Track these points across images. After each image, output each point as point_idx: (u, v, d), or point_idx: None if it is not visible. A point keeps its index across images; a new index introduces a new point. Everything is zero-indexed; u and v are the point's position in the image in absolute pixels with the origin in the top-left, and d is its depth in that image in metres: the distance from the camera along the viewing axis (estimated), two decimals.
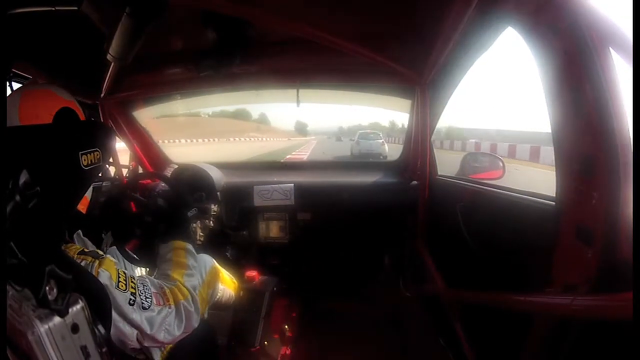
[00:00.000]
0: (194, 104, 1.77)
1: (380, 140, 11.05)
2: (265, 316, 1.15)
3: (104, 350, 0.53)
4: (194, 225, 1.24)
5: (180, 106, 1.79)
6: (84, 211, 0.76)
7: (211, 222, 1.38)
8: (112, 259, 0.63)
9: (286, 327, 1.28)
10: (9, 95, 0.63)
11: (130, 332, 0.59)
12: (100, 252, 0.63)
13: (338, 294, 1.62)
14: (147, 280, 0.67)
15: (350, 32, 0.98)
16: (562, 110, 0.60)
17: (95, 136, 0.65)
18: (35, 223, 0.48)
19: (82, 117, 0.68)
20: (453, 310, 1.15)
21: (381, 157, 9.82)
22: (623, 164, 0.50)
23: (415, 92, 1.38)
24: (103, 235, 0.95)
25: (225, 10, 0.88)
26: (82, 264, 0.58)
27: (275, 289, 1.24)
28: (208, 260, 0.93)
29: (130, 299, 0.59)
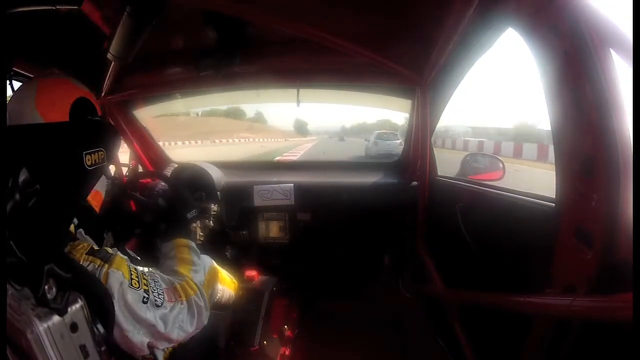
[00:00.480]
0: (194, 104, 1.78)
1: (398, 141, 10.25)
2: (265, 316, 1.15)
3: (102, 349, 0.53)
4: (194, 225, 1.24)
5: (180, 105, 1.79)
6: (97, 209, 0.75)
7: (211, 221, 1.38)
8: (122, 256, 0.61)
9: (286, 327, 1.28)
10: (25, 84, 0.61)
11: (141, 341, 0.57)
12: (110, 251, 0.61)
13: (338, 294, 1.62)
14: (157, 275, 0.66)
15: (350, 32, 0.98)
16: (562, 111, 0.60)
17: (100, 135, 0.64)
18: (34, 222, 0.48)
19: (98, 110, 0.66)
20: (452, 310, 1.15)
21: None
22: (623, 164, 0.50)
23: (415, 93, 1.38)
24: (105, 234, 0.95)
25: (225, 10, 0.88)
26: (90, 266, 0.56)
27: (274, 288, 1.24)
28: (207, 261, 0.93)
29: (144, 297, 0.57)
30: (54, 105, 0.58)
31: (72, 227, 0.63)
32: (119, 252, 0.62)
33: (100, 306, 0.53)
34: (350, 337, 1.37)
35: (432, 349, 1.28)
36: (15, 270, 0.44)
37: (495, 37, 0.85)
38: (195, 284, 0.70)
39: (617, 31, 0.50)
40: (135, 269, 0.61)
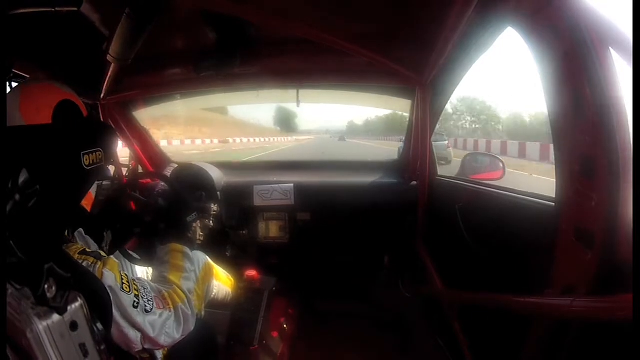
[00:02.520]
0: (194, 104, 1.78)
1: (445, 142, 8.06)
2: (265, 316, 1.15)
3: (102, 348, 0.53)
4: (194, 225, 1.24)
5: (180, 106, 1.80)
6: (88, 208, 0.75)
7: (211, 221, 1.38)
8: (115, 260, 0.63)
9: (285, 326, 1.28)
10: (10, 92, 0.62)
11: (135, 336, 0.59)
12: (103, 254, 0.63)
13: (338, 294, 1.62)
14: (145, 283, 0.67)
15: (350, 32, 0.98)
16: (562, 111, 0.60)
17: (98, 136, 0.64)
18: (34, 222, 0.48)
19: (84, 110, 0.66)
20: (452, 310, 1.15)
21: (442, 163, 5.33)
22: (623, 165, 0.50)
23: (415, 93, 1.38)
24: (105, 233, 0.96)
25: (225, 11, 0.88)
26: (84, 264, 0.58)
27: (274, 288, 1.24)
28: (201, 257, 0.93)
29: (135, 302, 0.59)
30: (37, 110, 0.57)
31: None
32: (112, 256, 0.64)
33: (99, 304, 0.54)
34: (350, 337, 1.38)
35: (432, 349, 1.28)
36: (15, 270, 0.44)
37: (495, 37, 0.85)
38: (183, 291, 0.71)
39: (617, 31, 0.50)
40: (126, 275, 0.62)
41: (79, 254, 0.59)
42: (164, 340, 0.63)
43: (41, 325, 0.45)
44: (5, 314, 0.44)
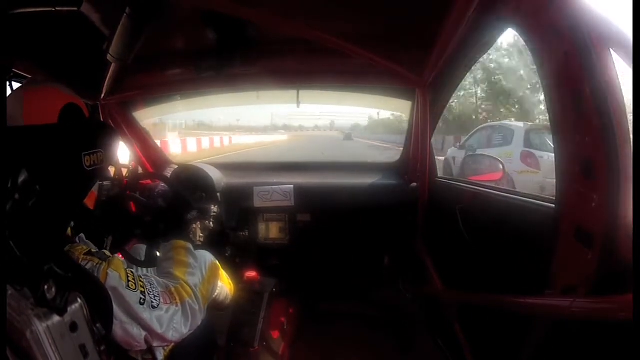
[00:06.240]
0: (194, 105, 1.78)
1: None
2: (265, 317, 1.15)
3: (102, 349, 0.53)
4: (194, 226, 1.24)
5: (180, 107, 1.80)
6: (91, 207, 0.75)
7: (211, 222, 1.38)
8: (120, 259, 0.63)
9: (285, 327, 1.28)
10: (12, 93, 0.62)
11: (138, 334, 0.59)
12: (108, 254, 0.63)
13: (338, 295, 1.62)
14: (152, 279, 0.67)
15: (350, 33, 0.98)
16: (562, 112, 0.60)
17: (99, 137, 0.64)
18: (34, 222, 0.48)
19: (86, 113, 0.66)
20: (452, 311, 1.15)
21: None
22: (623, 165, 0.50)
23: (415, 94, 1.38)
24: (105, 239, 0.95)
25: (225, 10, 0.89)
26: (88, 265, 0.58)
27: (274, 289, 1.24)
28: (208, 257, 0.93)
29: (141, 298, 0.59)
30: (43, 115, 0.58)
31: (69, 230, 0.64)
32: (117, 255, 0.63)
33: (100, 305, 0.54)
34: (350, 337, 1.37)
35: (432, 349, 1.28)
36: (15, 270, 0.44)
37: (496, 38, 0.86)
38: (190, 287, 0.71)
39: (617, 31, 0.50)
40: (132, 272, 0.62)
41: (84, 254, 0.59)
42: (172, 335, 0.63)
43: (41, 326, 0.45)
44: (5, 315, 0.44)
